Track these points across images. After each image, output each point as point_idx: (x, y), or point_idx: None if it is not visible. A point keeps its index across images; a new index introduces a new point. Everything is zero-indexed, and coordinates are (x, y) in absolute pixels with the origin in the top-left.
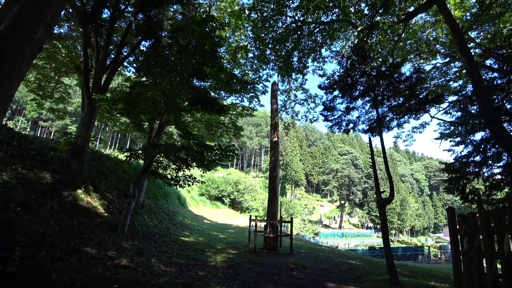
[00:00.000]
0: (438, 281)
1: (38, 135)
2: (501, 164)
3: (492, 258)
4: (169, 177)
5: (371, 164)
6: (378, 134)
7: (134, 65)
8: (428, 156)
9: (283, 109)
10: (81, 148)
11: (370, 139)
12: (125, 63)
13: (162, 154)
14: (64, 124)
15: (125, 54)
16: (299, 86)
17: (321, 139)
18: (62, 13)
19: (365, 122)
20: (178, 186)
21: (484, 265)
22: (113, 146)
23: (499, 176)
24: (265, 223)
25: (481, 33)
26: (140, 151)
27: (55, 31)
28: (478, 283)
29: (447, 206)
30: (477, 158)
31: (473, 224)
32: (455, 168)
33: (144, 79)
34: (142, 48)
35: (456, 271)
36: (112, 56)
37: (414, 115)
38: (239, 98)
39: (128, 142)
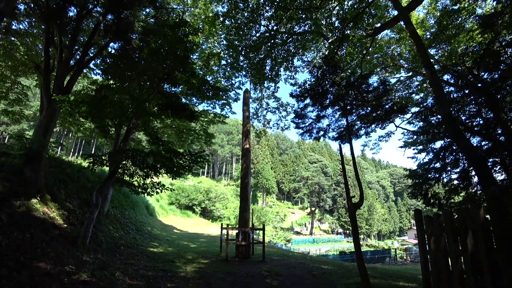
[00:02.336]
0: (406, 281)
1: None
2: (458, 170)
3: (458, 256)
4: (136, 184)
5: (341, 170)
6: (348, 141)
7: (101, 67)
8: (393, 164)
9: (255, 116)
10: (37, 153)
11: (340, 146)
12: (91, 65)
13: (129, 160)
14: (20, 129)
15: (92, 55)
16: (271, 94)
17: (292, 148)
18: (22, 7)
19: (335, 130)
20: (146, 194)
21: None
22: (76, 153)
23: (456, 182)
24: (237, 231)
25: (439, 51)
26: (104, 157)
27: (13, 27)
28: (446, 281)
29: (411, 211)
30: (437, 165)
31: (438, 224)
32: (418, 174)
33: (111, 82)
34: (110, 50)
35: (424, 270)
36: (77, 56)
37: (380, 125)
38: (211, 105)
39: (93, 149)
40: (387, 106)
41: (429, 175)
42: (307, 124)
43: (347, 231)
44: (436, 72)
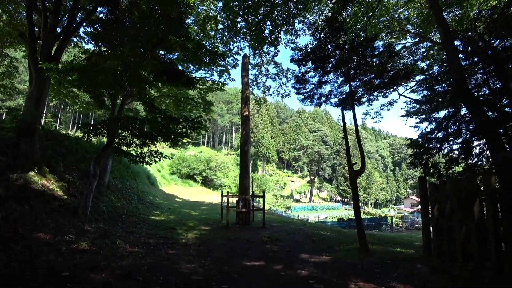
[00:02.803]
0: (403, 247)
1: None
2: (460, 140)
3: (461, 224)
4: (134, 153)
5: (342, 138)
6: (351, 108)
7: (92, 35)
8: (393, 134)
9: (254, 83)
10: (30, 125)
11: (342, 112)
12: (81, 34)
13: (125, 129)
14: (16, 104)
15: (79, 20)
16: (271, 59)
17: (292, 117)
18: None
19: (337, 96)
20: (144, 163)
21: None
22: (75, 127)
23: (456, 152)
24: (237, 198)
25: (450, 15)
26: (99, 126)
27: None
28: (448, 248)
29: (409, 180)
30: (439, 135)
31: (444, 192)
32: (419, 144)
33: (103, 49)
34: (99, 14)
35: (426, 237)
36: (65, 23)
37: (384, 92)
38: (209, 72)
39: (92, 122)
40: (392, 72)
41: (431, 145)
42: (308, 90)
43: (345, 199)
44: (450, 31)
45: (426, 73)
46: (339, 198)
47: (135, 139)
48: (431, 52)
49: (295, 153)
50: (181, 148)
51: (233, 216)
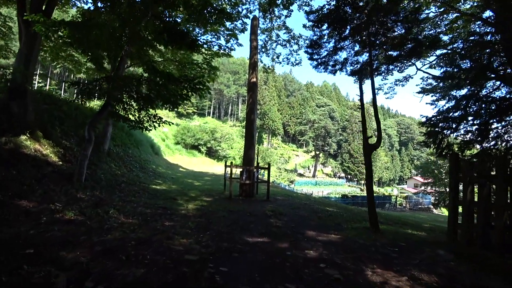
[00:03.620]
0: (412, 228)
1: None
2: (478, 122)
3: (504, 209)
4: (132, 118)
5: (358, 108)
6: (369, 76)
7: None
8: (402, 113)
9: (263, 50)
10: (20, 85)
11: (360, 80)
12: None
13: (121, 90)
14: (6, 64)
15: None
16: (282, 24)
17: (300, 90)
18: None
19: (353, 63)
20: (144, 130)
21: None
22: (67, 87)
23: (470, 135)
24: (241, 169)
25: None
26: (91, 86)
27: None
28: (482, 235)
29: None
30: (457, 114)
31: (483, 171)
32: (434, 122)
33: (100, 5)
34: None
35: (453, 222)
36: None
37: (400, 66)
38: (216, 36)
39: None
40: (417, 38)
41: (447, 124)
42: (322, 56)
43: (349, 176)
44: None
45: (448, 48)
46: (343, 175)
47: (133, 102)
48: (455, 25)
49: (301, 127)
50: (187, 118)
51: (236, 187)
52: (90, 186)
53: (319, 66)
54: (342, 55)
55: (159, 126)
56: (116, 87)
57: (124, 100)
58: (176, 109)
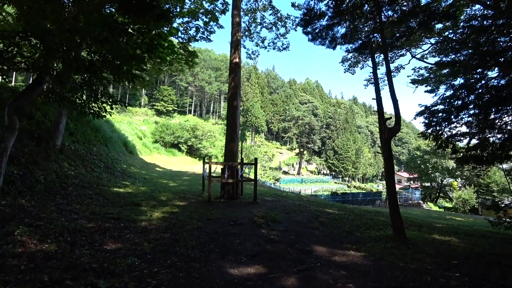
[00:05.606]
0: (436, 232)
1: None
2: (476, 111)
3: None
4: (78, 101)
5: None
6: (382, 45)
7: None
8: (384, 111)
9: (246, 34)
10: None
11: (372, 49)
12: None
13: (53, 53)
14: None
15: None
16: (267, 4)
17: (283, 87)
18: None
19: (354, 36)
20: (95, 117)
21: None
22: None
23: (465, 128)
24: (222, 166)
25: None
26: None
27: None
28: None
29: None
30: (456, 104)
31: None
32: (433, 111)
33: None
34: None
35: None
36: None
37: (418, 30)
38: (193, 19)
39: None
40: (432, 6)
41: (445, 115)
42: (320, 28)
43: (333, 173)
44: None
45: (442, 35)
46: (327, 172)
47: (74, 76)
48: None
49: (285, 124)
50: (166, 116)
51: (217, 188)
52: (14, 191)
53: (316, 40)
54: (341, 30)
55: (111, 109)
56: (45, 48)
57: (57, 70)
58: (133, 84)
